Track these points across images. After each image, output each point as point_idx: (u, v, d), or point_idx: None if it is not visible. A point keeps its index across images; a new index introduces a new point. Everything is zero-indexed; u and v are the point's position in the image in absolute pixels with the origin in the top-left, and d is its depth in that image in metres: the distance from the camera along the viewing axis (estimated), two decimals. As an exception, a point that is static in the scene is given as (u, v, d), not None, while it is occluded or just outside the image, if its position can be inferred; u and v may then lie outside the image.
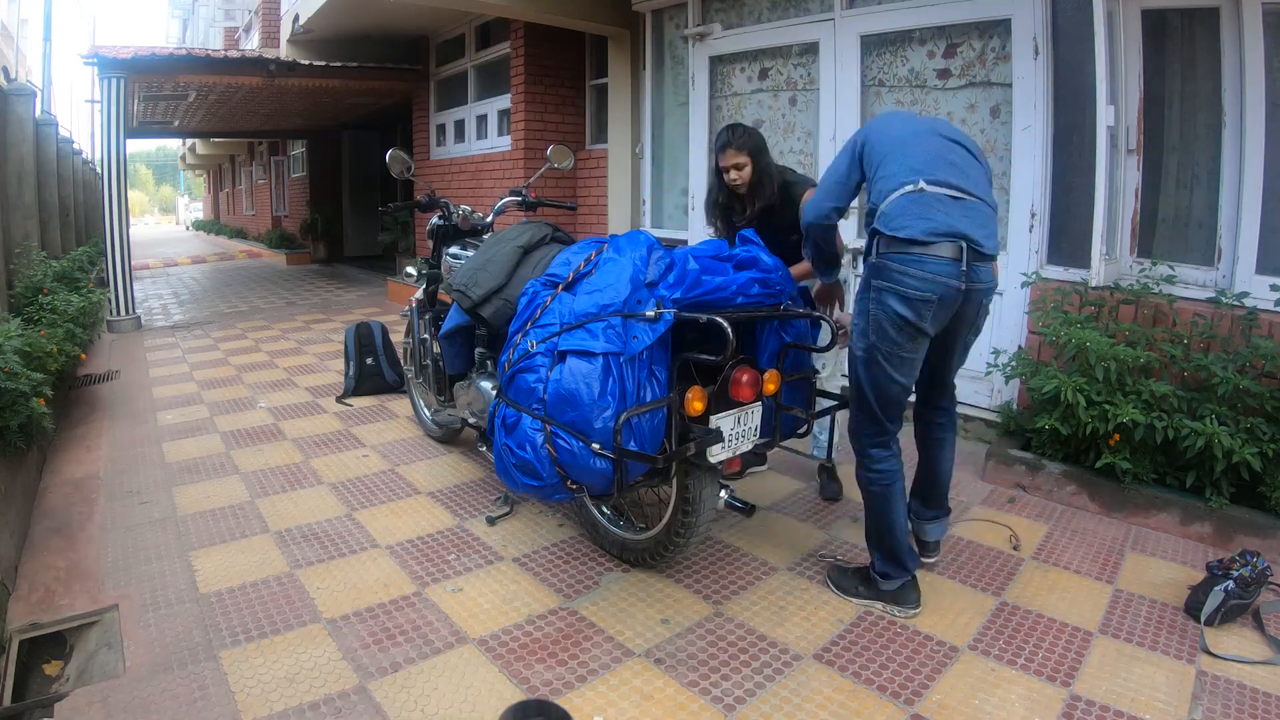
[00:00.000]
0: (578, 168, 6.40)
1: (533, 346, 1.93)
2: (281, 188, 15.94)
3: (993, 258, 1.96)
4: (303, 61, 7.70)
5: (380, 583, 2.27)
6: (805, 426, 2.27)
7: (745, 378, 1.96)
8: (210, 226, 23.51)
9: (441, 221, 3.33)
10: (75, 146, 9.38)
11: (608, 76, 5.93)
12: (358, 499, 2.89)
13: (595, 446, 1.81)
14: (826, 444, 2.85)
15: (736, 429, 2.06)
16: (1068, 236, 3.32)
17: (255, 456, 3.35)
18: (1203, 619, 2.03)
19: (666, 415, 1.92)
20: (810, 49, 4.25)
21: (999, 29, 3.47)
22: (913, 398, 2.22)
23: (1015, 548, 2.49)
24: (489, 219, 3.36)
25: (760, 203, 2.64)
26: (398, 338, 4.41)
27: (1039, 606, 2.16)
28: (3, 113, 5.00)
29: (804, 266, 2.55)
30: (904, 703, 1.75)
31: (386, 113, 10.60)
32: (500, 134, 6.95)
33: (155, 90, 8.21)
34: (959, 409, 3.60)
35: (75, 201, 8.47)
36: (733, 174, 2.64)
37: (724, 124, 4.78)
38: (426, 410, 3.54)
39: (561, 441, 1.84)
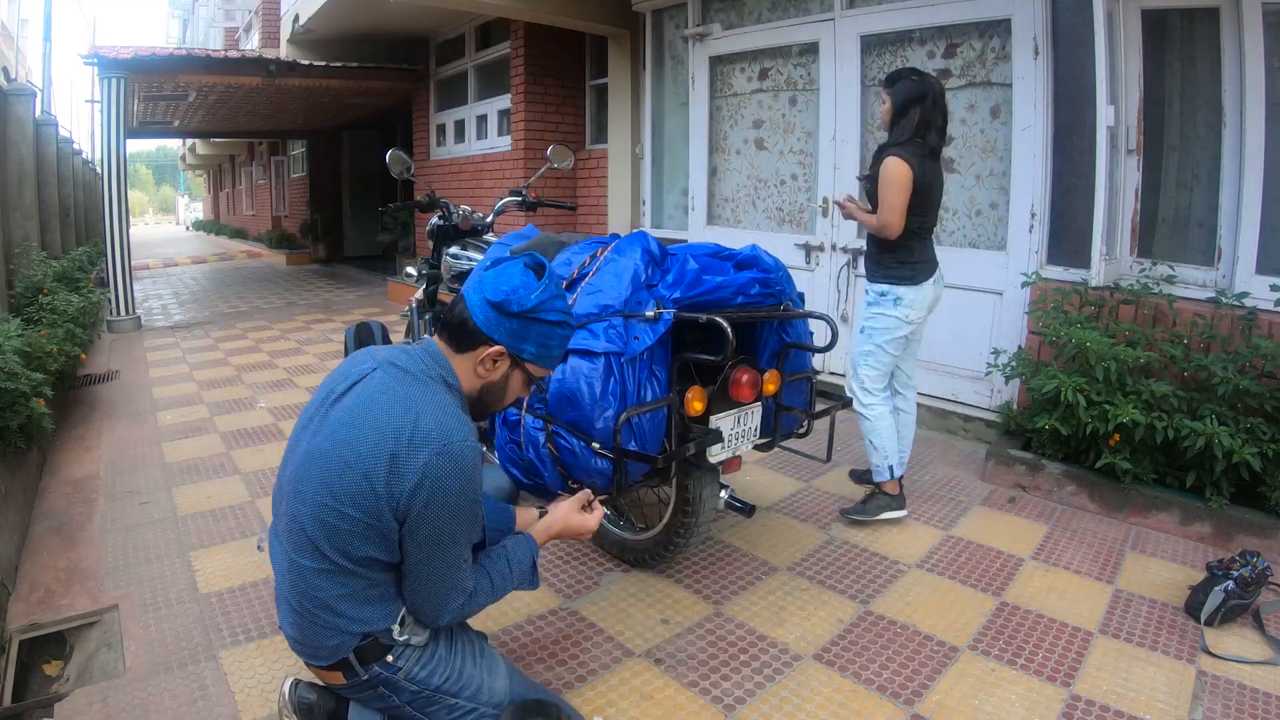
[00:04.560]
0: (578, 168, 6.40)
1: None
2: (281, 188, 15.94)
3: None
4: (303, 61, 7.70)
5: (380, 583, 2.27)
6: (804, 426, 2.27)
7: (745, 378, 1.96)
8: (210, 226, 23.51)
9: (441, 222, 3.33)
10: (75, 146, 9.38)
11: (608, 76, 5.93)
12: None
13: (596, 446, 1.81)
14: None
15: (736, 429, 2.06)
16: (1068, 236, 3.31)
17: (255, 456, 3.35)
18: (1203, 619, 2.03)
19: (666, 415, 1.92)
20: (810, 49, 4.25)
21: (999, 29, 3.47)
22: None
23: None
24: (489, 219, 3.36)
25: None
26: (398, 338, 4.41)
27: (1039, 606, 2.16)
28: (3, 113, 5.00)
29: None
30: (904, 703, 1.75)
31: (386, 113, 10.61)
32: (500, 134, 6.95)
33: (155, 90, 8.21)
34: (958, 409, 3.63)
35: (75, 201, 8.47)
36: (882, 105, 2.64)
37: (725, 123, 4.83)
38: (426, 410, 3.52)
39: (563, 441, 1.84)
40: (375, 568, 1.28)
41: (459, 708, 1.41)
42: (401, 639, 1.33)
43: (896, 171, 2.44)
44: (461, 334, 1.34)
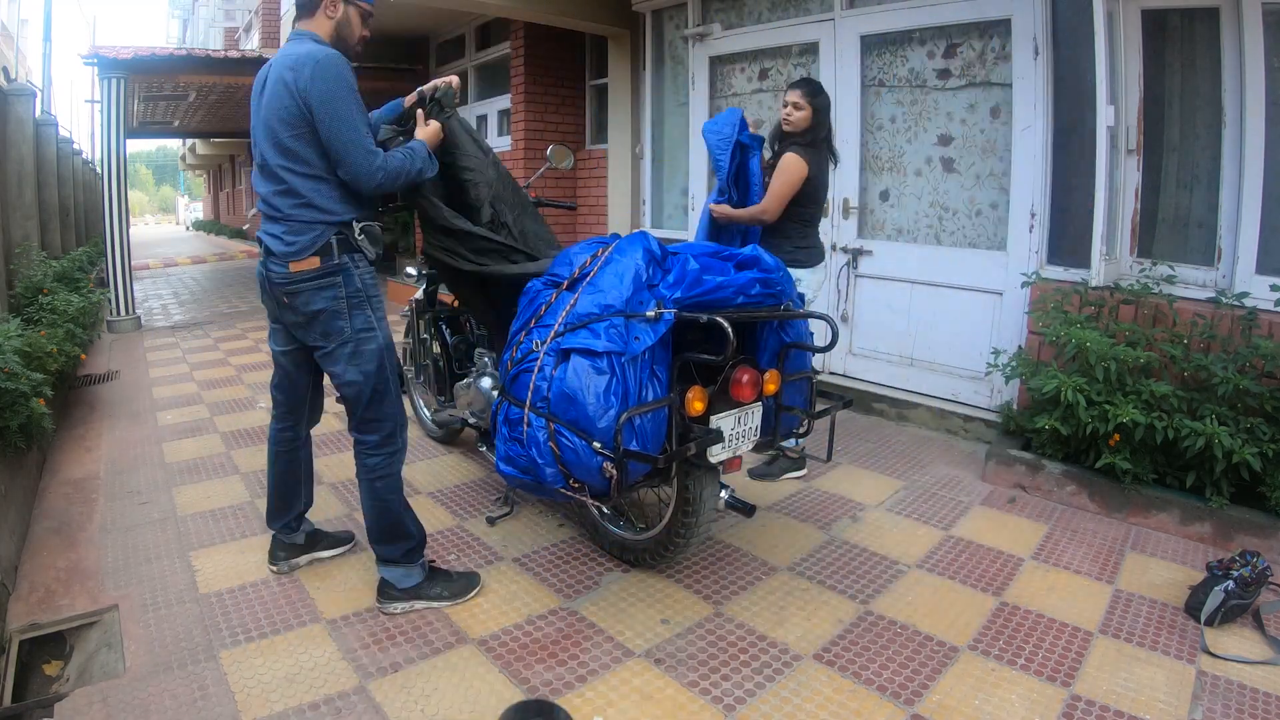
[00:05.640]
0: (578, 168, 6.40)
1: (536, 346, 1.93)
2: (281, 188, 15.90)
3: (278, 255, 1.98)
4: (303, 61, 7.69)
5: (380, 583, 2.27)
6: (804, 426, 2.27)
7: (746, 378, 1.96)
8: (210, 226, 23.52)
9: (442, 221, 3.32)
10: (75, 146, 9.38)
11: (608, 76, 5.93)
12: (358, 499, 2.88)
13: (597, 445, 1.81)
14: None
15: (737, 429, 2.06)
16: (1068, 236, 3.32)
17: (255, 456, 3.35)
18: (1203, 619, 2.03)
19: (667, 415, 1.92)
20: (810, 49, 4.25)
21: (999, 29, 3.47)
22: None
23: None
24: (489, 219, 3.35)
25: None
26: (398, 338, 4.41)
27: (1039, 606, 2.16)
28: (3, 113, 5.00)
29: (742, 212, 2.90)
30: (904, 703, 1.75)
31: (386, 113, 10.59)
32: (500, 134, 6.95)
33: (155, 90, 8.22)
34: (958, 409, 3.63)
35: (75, 201, 8.47)
36: (789, 109, 2.88)
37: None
38: (426, 410, 3.53)
39: (565, 440, 1.84)
40: (318, 163, 1.92)
41: (370, 322, 2.03)
42: (360, 238, 2.00)
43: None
44: (303, 5, 2.02)
